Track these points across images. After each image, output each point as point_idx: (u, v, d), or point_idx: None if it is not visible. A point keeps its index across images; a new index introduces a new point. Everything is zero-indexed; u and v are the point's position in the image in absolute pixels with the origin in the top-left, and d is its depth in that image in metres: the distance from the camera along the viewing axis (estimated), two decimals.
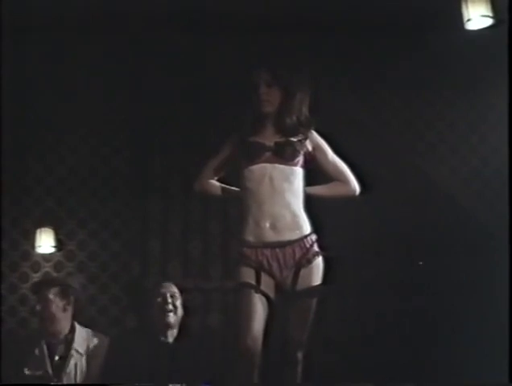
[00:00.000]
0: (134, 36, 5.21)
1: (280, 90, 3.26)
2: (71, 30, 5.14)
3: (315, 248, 3.19)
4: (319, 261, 3.19)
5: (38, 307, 4.24)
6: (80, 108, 5.68)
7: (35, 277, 5.65)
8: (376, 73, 5.44)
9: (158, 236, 5.84)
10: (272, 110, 3.27)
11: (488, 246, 5.07)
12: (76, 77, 5.48)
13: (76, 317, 4.28)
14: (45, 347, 4.12)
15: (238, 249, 3.21)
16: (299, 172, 3.22)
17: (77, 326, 4.22)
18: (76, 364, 4.11)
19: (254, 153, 3.22)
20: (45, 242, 5.71)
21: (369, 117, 5.54)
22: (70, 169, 5.89)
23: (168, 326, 4.05)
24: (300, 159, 3.23)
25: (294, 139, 3.23)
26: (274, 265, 3.15)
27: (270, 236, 3.15)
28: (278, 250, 3.15)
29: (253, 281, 3.12)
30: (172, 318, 4.07)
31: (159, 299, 4.10)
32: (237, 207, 3.30)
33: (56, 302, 4.19)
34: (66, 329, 4.18)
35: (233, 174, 3.34)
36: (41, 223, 5.73)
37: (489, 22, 4.60)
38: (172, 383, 3.76)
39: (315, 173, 3.29)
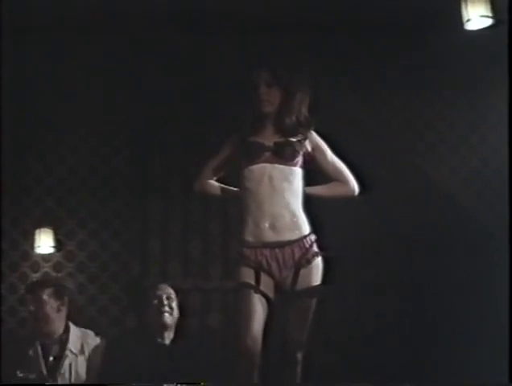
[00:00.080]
0: (134, 36, 5.21)
1: (280, 90, 3.26)
2: (71, 30, 5.14)
3: (315, 248, 3.19)
4: (318, 261, 3.19)
5: (32, 308, 4.24)
6: (80, 108, 5.68)
7: (35, 277, 5.65)
8: (376, 73, 5.44)
9: (158, 236, 5.84)
10: (272, 110, 3.27)
11: (488, 246, 5.07)
12: (76, 77, 5.48)
13: (72, 317, 4.27)
14: (39, 348, 4.12)
15: (238, 249, 3.21)
16: (298, 172, 3.22)
17: (72, 327, 4.22)
18: (71, 364, 4.11)
19: (254, 153, 3.22)
20: (45, 242, 5.70)
21: (369, 117, 5.54)
22: (70, 169, 5.89)
23: (165, 327, 4.04)
24: (300, 159, 3.23)
25: (293, 139, 3.23)
26: (274, 265, 3.15)
27: (270, 236, 3.16)
28: (277, 250, 3.15)
29: (252, 281, 3.13)
30: (168, 319, 4.06)
31: (155, 301, 4.09)
32: (237, 207, 3.30)
33: (50, 303, 4.18)
34: (60, 329, 4.18)
35: (233, 174, 3.34)
36: (41, 224, 5.73)
37: (488, 22, 4.60)
38: (171, 383, 3.75)
39: (315, 173, 3.29)
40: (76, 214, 5.83)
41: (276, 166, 3.20)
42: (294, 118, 3.25)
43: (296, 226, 3.18)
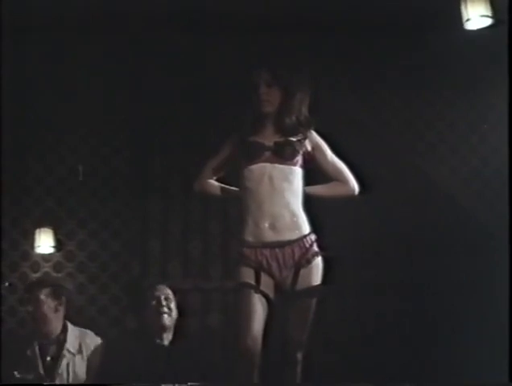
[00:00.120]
0: (134, 36, 5.21)
1: (280, 90, 3.26)
2: (71, 30, 5.14)
3: (315, 248, 3.19)
4: (318, 261, 3.19)
5: (30, 308, 4.24)
6: (80, 108, 5.68)
7: (35, 277, 5.65)
8: (376, 73, 5.44)
9: (158, 236, 5.84)
10: (272, 110, 3.27)
11: (488, 246, 5.07)
12: (76, 77, 5.48)
13: (70, 317, 4.27)
14: (37, 348, 4.12)
15: (238, 249, 3.21)
16: (298, 172, 3.22)
17: (69, 326, 4.21)
18: (69, 364, 4.10)
19: (254, 153, 3.22)
20: (45, 242, 5.71)
21: (369, 117, 5.54)
22: (70, 169, 5.89)
23: (163, 328, 4.03)
24: (300, 159, 3.23)
25: (293, 139, 3.23)
26: (274, 265, 3.15)
27: (270, 236, 3.16)
28: (277, 250, 3.15)
29: (252, 281, 3.12)
30: (167, 320, 4.05)
31: (154, 302, 4.08)
32: (237, 207, 3.30)
33: (48, 303, 4.18)
34: (58, 329, 4.17)
35: (233, 173, 3.34)
36: (41, 224, 5.73)
37: (488, 22, 4.60)
38: (170, 383, 3.75)
39: (315, 173, 3.29)
40: (76, 214, 5.83)
41: (276, 165, 3.20)
42: (294, 118, 3.25)
43: (296, 226, 3.18)
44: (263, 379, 3.15)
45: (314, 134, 3.29)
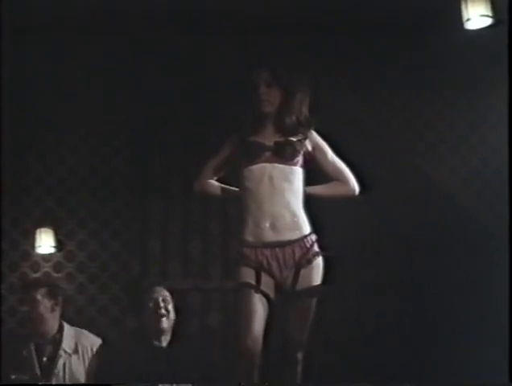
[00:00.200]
0: (134, 36, 5.21)
1: (280, 90, 3.26)
2: (71, 30, 5.14)
3: (315, 248, 3.19)
4: (319, 261, 3.19)
5: (26, 308, 4.24)
6: (80, 108, 5.69)
7: (34, 277, 5.66)
8: (376, 73, 5.45)
9: (158, 236, 5.85)
10: (272, 110, 3.26)
11: (488, 246, 5.07)
12: (76, 77, 5.49)
13: (66, 317, 4.26)
14: (33, 348, 4.11)
15: (238, 249, 3.21)
16: (298, 172, 3.22)
17: (65, 326, 4.20)
18: (65, 364, 4.09)
19: (254, 153, 3.21)
20: (45, 242, 5.71)
21: (369, 117, 5.54)
22: (70, 169, 5.89)
23: (161, 330, 4.02)
24: (300, 159, 3.23)
25: (294, 139, 3.23)
26: (274, 265, 3.15)
27: (270, 236, 3.15)
28: (277, 250, 3.15)
29: (253, 281, 3.12)
30: (165, 322, 4.04)
31: (151, 304, 4.07)
32: (237, 207, 3.30)
33: (44, 303, 4.17)
34: (54, 329, 4.17)
35: (233, 174, 3.34)
36: (41, 223, 5.73)
37: (488, 21, 4.60)
38: (170, 384, 3.75)
39: (315, 173, 3.29)
40: (76, 214, 5.84)
41: (276, 165, 3.19)
42: (294, 118, 3.25)
43: (297, 226, 3.17)
44: (263, 379, 3.15)
45: (314, 134, 3.29)
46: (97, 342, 4.22)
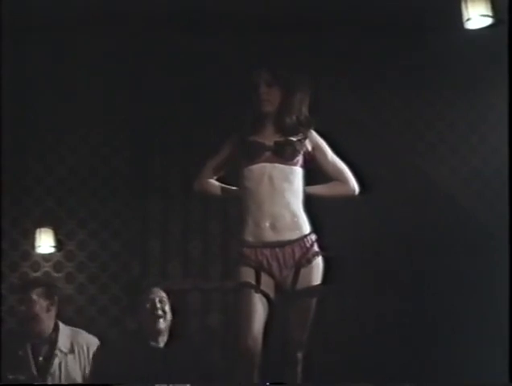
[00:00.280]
0: (134, 36, 5.21)
1: (280, 90, 3.26)
2: (71, 30, 5.14)
3: (315, 247, 3.19)
4: (318, 261, 3.19)
5: (22, 308, 4.23)
6: (80, 108, 5.69)
7: (32, 276, 5.66)
8: (376, 73, 5.45)
9: (158, 236, 5.85)
10: (272, 110, 3.26)
11: (488, 246, 5.07)
12: (76, 77, 5.49)
13: (61, 316, 4.26)
14: (29, 348, 4.11)
15: (238, 249, 3.21)
16: (298, 172, 3.22)
17: (61, 326, 4.20)
18: (61, 364, 4.09)
19: (254, 153, 3.21)
20: (45, 242, 5.71)
21: (369, 117, 5.54)
22: (70, 169, 5.89)
23: (158, 331, 4.02)
24: (300, 159, 3.23)
25: (294, 139, 3.23)
26: (274, 265, 3.15)
27: (270, 236, 3.15)
28: (277, 250, 3.15)
29: (253, 281, 3.12)
30: (161, 323, 4.04)
31: (148, 305, 4.07)
32: (237, 207, 3.30)
33: (40, 303, 4.16)
34: (50, 329, 4.16)
35: (233, 173, 3.34)
36: (41, 223, 5.73)
37: (488, 21, 4.60)
38: (170, 384, 3.75)
39: (315, 173, 3.29)
40: (76, 214, 5.84)
41: (276, 165, 3.19)
42: (294, 118, 3.25)
43: (297, 226, 3.17)
44: (263, 379, 3.15)
45: (314, 134, 3.29)
46: (93, 341, 4.22)
